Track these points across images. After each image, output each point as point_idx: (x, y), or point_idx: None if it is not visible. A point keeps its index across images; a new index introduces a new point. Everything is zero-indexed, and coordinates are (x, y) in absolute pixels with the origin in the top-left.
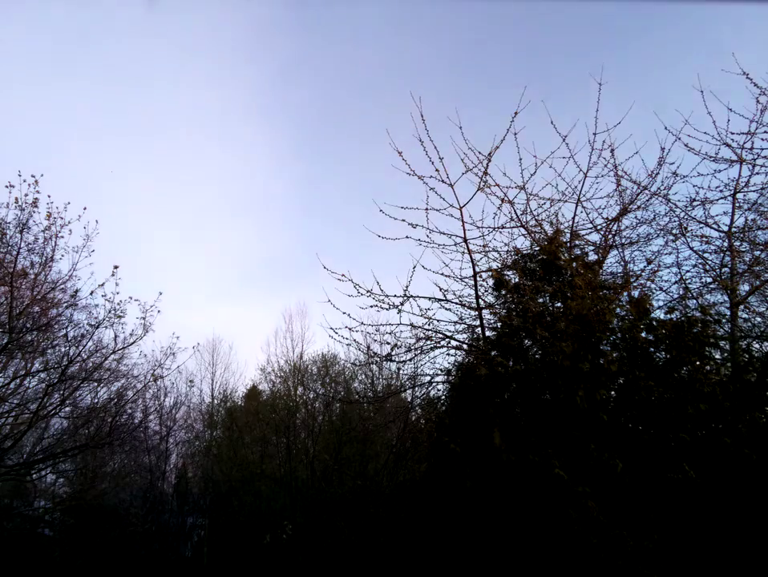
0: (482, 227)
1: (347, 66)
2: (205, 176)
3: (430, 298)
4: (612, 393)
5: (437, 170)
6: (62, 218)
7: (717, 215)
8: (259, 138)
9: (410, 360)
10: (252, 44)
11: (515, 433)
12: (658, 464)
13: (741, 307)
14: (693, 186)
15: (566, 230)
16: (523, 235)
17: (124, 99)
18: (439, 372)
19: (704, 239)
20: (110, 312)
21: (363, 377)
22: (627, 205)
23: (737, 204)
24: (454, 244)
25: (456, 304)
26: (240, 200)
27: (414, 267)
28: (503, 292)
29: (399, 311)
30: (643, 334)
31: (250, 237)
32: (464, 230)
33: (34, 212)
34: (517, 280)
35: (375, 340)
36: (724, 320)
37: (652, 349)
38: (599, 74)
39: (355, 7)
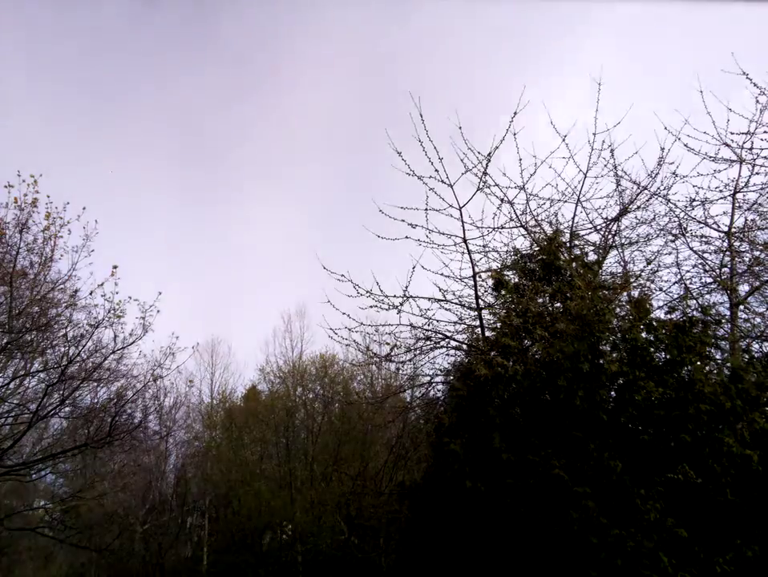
0: (481, 228)
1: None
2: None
3: (429, 298)
4: (612, 393)
5: (436, 170)
6: (61, 218)
7: (717, 215)
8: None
9: (410, 360)
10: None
11: (515, 433)
12: (658, 464)
13: (741, 307)
14: (693, 186)
15: (566, 230)
16: (522, 235)
17: None
18: (439, 372)
19: (704, 239)
20: (109, 312)
21: (362, 377)
22: (627, 205)
23: (737, 204)
24: (454, 244)
25: (456, 304)
26: None
27: (414, 267)
28: (503, 293)
29: (399, 311)
30: (643, 334)
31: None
32: (464, 230)
33: (33, 212)
34: (517, 280)
35: (375, 341)
36: (724, 321)
37: (652, 349)
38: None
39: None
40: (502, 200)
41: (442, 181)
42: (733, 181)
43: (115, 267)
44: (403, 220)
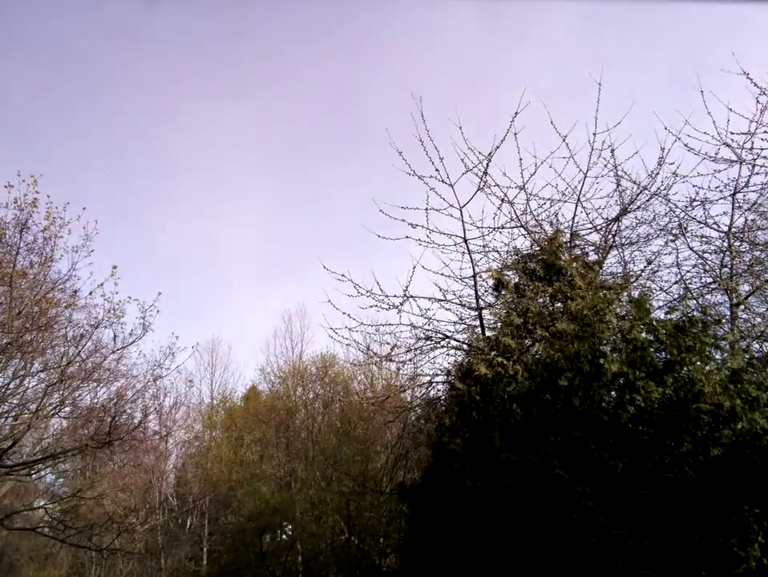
0: (482, 228)
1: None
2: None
3: (429, 298)
4: (612, 393)
5: (437, 170)
6: (61, 218)
7: (717, 216)
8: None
9: (410, 360)
10: None
11: (515, 433)
12: (658, 464)
13: (741, 307)
14: (693, 186)
15: (566, 230)
16: (523, 235)
17: None
18: (439, 372)
19: (704, 239)
20: (109, 312)
21: (363, 377)
22: (627, 205)
23: (737, 204)
24: (454, 244)
25: (456, 304)
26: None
27: (414, 267)
28: (503, 293)
29: (399, 311)
30: (643, 334)
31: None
32: (464, 230)
33: (33, 212)
34: (517, 280)
35: (375, 341)
36: (724, 321)
37: (652, 350)
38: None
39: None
40: (502, 200)
41: (443, 181)
42: (733, 181)
43: (114, 267)
44: (403, 220)
